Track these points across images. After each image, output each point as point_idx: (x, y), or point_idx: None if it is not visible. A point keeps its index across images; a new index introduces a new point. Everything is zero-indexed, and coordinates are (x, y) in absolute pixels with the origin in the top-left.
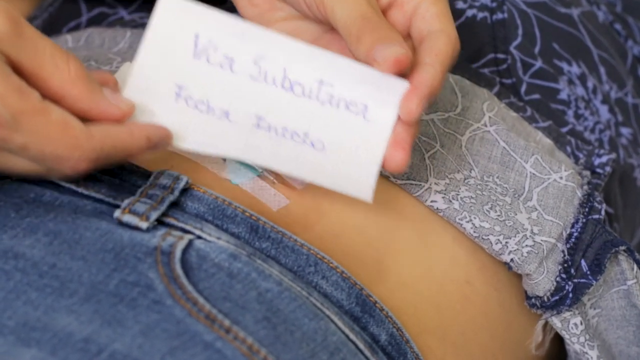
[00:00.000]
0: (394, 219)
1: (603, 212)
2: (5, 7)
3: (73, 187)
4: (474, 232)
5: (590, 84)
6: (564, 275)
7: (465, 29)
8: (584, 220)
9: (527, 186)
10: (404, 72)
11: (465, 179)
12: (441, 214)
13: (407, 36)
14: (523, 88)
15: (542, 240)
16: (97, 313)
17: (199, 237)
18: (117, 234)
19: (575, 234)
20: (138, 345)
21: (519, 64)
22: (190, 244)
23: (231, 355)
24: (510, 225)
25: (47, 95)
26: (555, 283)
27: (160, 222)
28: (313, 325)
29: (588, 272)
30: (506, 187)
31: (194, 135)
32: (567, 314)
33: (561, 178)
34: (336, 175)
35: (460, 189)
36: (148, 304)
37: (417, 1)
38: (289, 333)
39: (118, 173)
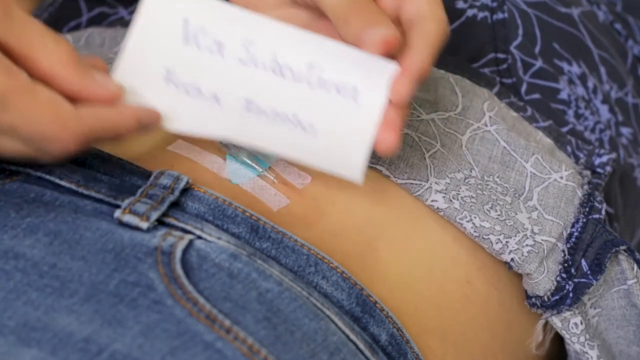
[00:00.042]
0: (394, 219)
1: (603, 212)
2: None
3: (73, 187)
4: (475, 231)
5: (590, 83)
6: (564, 275)
7: (466, 28)
8: (585, 220)
9: (527, 186)
10: (393, 55)
11: (465, 178)
12: (442, 213)
13: (397, 22)
14: (523, 88)
15: (542, 240)
16: (97, 313)
17: (200, 237)
18: (118, 234)
19: (576, 234)
20: (138, 345)
21: (519, 64)
22: (190, 244)
23: (231, 356)
24: (510, 225)
25: (36, 77)
26: (555, 283)
27: (160, 222)
28: (313, 326)
29: (588, 272)
30: (506, 187)
31: (184, 117)
32: (567, 314)
33: (561, 178)
34: (326, 157)
35: (460, 188)
36: (148, 304)
37: None
38: (290, 333)
39: (118, 173)
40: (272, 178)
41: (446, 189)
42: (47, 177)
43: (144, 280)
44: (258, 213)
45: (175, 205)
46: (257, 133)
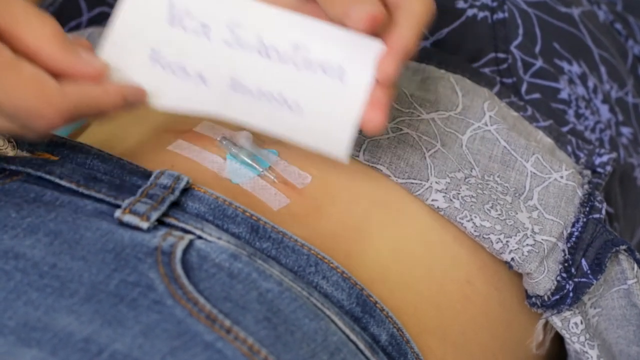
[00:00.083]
0: (394, 219)
1: (604, 212)
2: None
3: (74, 187)
4: (475, 231)
5: (590, 83)
6: (564, 275)
7: (466, 28)
8: (585, 219)
9: (527, 185)
10: (379, 34)
11: (466, 178)
12: (442, 212)
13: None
14: (524, 87)
15: (542, 240)
16: (97, 313)
17: (200, 237)
18: (118, 234)
19: (576, 233)
20: (138, 345)
21: (519, 64)
22: (190, 244)
23: (232, 356)
24: (511, 225)
25: (21, 53)
26: (555, 282)
27: (160, 222)
28: (313, 326)
29: (588, 272)
30: (507, 186)
31: (170, 94)
32: (567, 313)
33: (562, 177)
34: (312, 134)
35: (461, 188)
36: (148, 304)
37: None
38: (290, 333)
39: (119, 173)
40: (272, 178)
41: (446, 189)
42: (48, 177)
43: (144, 280)
44: (258, 213)
45: (176, 205)
46: (242, 110)
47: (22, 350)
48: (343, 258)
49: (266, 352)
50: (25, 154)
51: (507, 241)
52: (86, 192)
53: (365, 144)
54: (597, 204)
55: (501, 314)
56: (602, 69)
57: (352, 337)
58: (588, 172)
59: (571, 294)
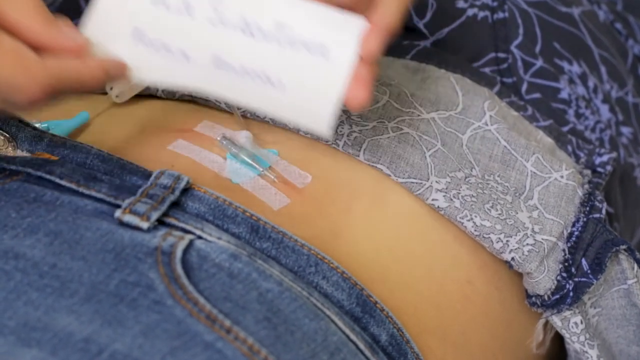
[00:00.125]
0: (394, 218)
1: (604, 211)
2: None
3: (74, 186)
4: (475, 230)
5: (591, 83)
6: (564, 274)
7: (466, 28)
8: (585, 219)
9: (528, 185)
10: (363, 12)
11: (466, 177)
12: (442, 212)
13: None
14: (524, 87)
15: (543, 239)
16: (97, 313)
17: (200, 237)
18: (118, 234)
19: (576, 233)
20: (138, 345)
21: (519, 63)
22: (190, 244)
23: (232, 356)
24: (511, 224)
25: (1, 27)
26: (555, 282)
27: (160, 222)
28: (313, 326)
29: (589, 271)
30: (507, 186)
31: (152, 69)
32: (567, 313)
33: (562, 177)
34: (295, 110)
35: (461, 187)
36: (148, 304)
37: None
38: (290, 333)
39: (119, 173)
40: (272, 177)
41: (447, 188)
42: (48, 176)
43: (144, 280)
44: (259, 213)
45: (176, 205)
46: (225, 86)
47: (22, 350)
48: (343, 258)
49: (266, 352)
50: (25, 154)
51: (507, 241)
52: (86, 192)
53: (366, 143)
54: (597, 203)
55: (501, 313)
56: (602, 69)
57: (352, 337)
58: (588, 172)
59: (571, 294)
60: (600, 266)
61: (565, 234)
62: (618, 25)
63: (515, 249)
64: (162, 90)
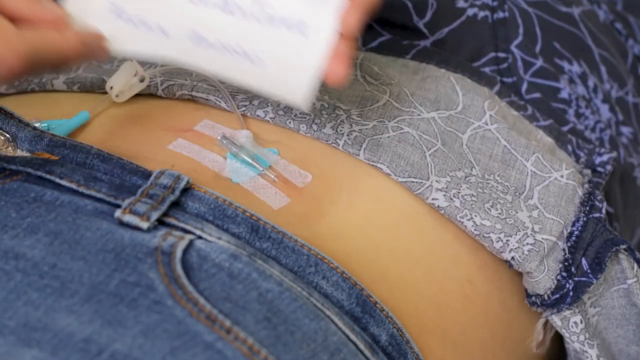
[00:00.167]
0: (394, 218)
1: (604, 211)
2: None
3: (74, 186)
4: (475, 230)
5: (591, 83)
6: (564, 274)
7: (466, 27)
8: (585, 218)
9: (528, 184)
10: None
11: (466, 177)
12: (442, 211)
13: None
14: (524, 87)
15: (543, 239)
16: (97, 313)
17: (200, 237)
18: (118, 234)
19: (576, 233)
20: (139, 345)
21: (519, 63)
22: (190, 244)
23: (232, 356)
24: (511, 224)
25: None
26: (555, 281)
27: (160, 222)
28: (313, 326)
29: (588, 271)
30: (507, 185)
31: (132, 42)
32: (567, 313)
33: (562, 176)
34: (273, 84)
35: (461, 187)
36: (149, 304)
37: None
38: (290, 333)
39: (119, 173)
40: (272, 177)
41: (447, 188)
42: (48, 176)
43: (144, 280)
44: (258, 212)
45: (176, 205)
46: (204, 60)
47: (22, 351)
48: (343, 258)
49: (266, 352)
50: (25, 153)
51: (507, 240)
52: (86, 192)
53: (366, 142)
54: (597, 203)
55: (501, 313)
56: (602, 69)
57: (352, 337)
58: (588, 172)
59: (571, 293)
60: (600, 266)
61: (565, 233)
62: (618, 25)
63: (515, 248)
64: (162, 90)
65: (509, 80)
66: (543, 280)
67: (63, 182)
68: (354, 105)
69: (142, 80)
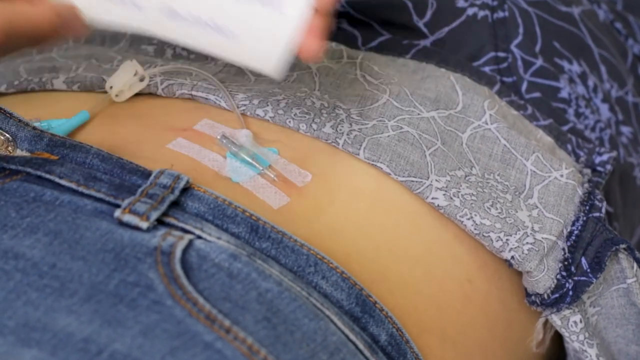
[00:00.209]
0: (394, 217)
1: (604, 210)
2: None
3: (73, 186)
4: (475, 229)
5: (590, 82)
6: (564, 273)
7: (466, 27)
8: (585, 218)
9: (527, 184)
10: None
11: (466, 176)
12: (442, 211)
13: None
14: (524, 86)
15: (542, 238)
16: (97, 313)
17: (199, 237)
18: (118, 233)
19: (576, 232)
20: (138, 345)
21: (519, 63)
22: (190, 244)
23: (231, 356)
24: (511, 223)
25: None
26: (555, 281)
27: (160, 222)
28: (313, 326)
29: (588, 270)
30: (507, 185)
31: (106, 13)
32: (566, 312)
33: (562, 176)
34: (246, 55)
35: (461, 186)
36: (148, 304)
37: None
38: (289, 333)
39: (118, 172)
40: (272, 176)
41: (447, 187)
42: (47, 176)
43: (144, 280)
44: (258, 212)
45: (175, 204)
46: (176, 32)
47: (22, 351)
48: (343, 257)
49: (265, 352)
50: (25, 153)
51: (507, 239)
52: (86, 191)
53: (366, 141)
54: (597, 202)
55: (501, 312)
56: (602, 68)
57: (352, 337)
58: (588, 171)
59: (571, 293)
60: (600, 265)
61: (565, 232)
62: (618, 25)
63: (515, 247)
64: (162, 89)
65: (508, 79)
66: (543, 279)
67: (63, 182)
68: (353, 105)
69: (141, 80)
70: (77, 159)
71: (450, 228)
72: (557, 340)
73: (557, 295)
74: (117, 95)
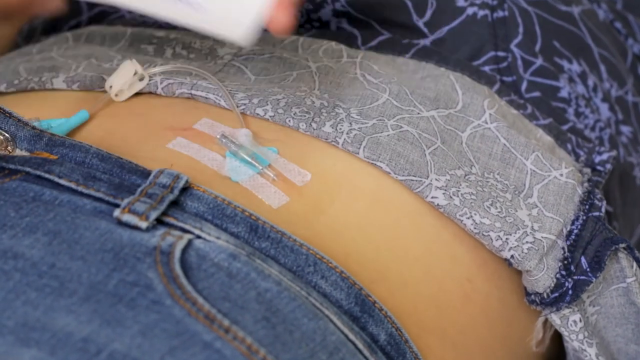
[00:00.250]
0: (394, 217)
1: (603, 210)
2: None
3: (73, 186)
4: (475, 228)
5: (590, 82)
6: (563, 272)
7: (466, 26)
8: (584, 217)
9: (527, 183)
10: None
11: (465, 175)
12: (442, 210)
13: None
14: (523, 86)
15: (542, 237)
16: (96, 313)
17: (199, 237)
18: (117, 233)
19: (576, 231)
20: (137, 345)
21: (519, 62)
22: (189, 243)
23: (230, 355)
24: (510, 222)
25: None
26: (555, 280)
27: (159, 222)
28: (312, 325)
29: (588, 269)
30: (507, 184)
31: None
32: (566, 311)
33: (562, 175)
34: (215, 24)
35: (460, 185)
36: (147, 303)
37: None
38: (288, 333)
39: (118, 172)
40: (272, 176)
41: (446, 186)
42: (47, 176)
43: (143, 280)
44: (258, 211)
45: (175, 204)
46: (143, 3)
47: (21, 350)
48: (342, 257)
49: (265, 351)
50: (24, 153)
51: (506, 238)
52: (85, 191)
53: (366, 141)
54: (596, 201)
55: (501, 312)
56: (602, 68)
57: (351, 336)
58: (588, 170)
59: (570, 292)
60: (600, 264)
61: (565, 232)
62: (618, 24)
63: (515, 246)
64: (162, 88)
65: (508, 79)
66: (542, 278)
67: (62, 182)
68: (353, 104)
69: (141, 79)
70: (76, 159)
71: (449, 227)
72: (557, 339)
73: (556, 294)
74: (116, 95)
